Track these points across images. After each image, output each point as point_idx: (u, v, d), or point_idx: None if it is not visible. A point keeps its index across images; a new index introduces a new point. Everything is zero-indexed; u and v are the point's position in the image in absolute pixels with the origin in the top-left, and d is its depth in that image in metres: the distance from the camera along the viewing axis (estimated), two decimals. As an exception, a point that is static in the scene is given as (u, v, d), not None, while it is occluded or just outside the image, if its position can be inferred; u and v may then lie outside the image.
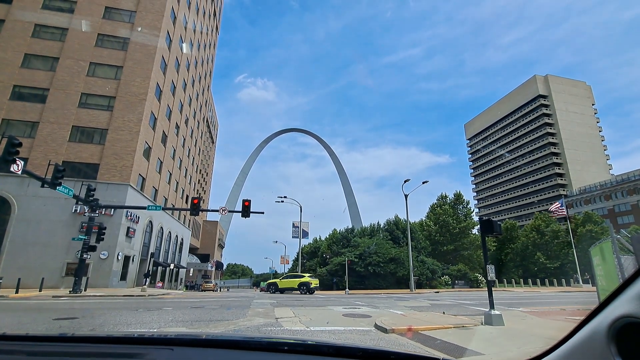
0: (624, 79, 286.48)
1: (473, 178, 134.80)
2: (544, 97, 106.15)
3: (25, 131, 29.92)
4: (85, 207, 23.82)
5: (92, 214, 21.84)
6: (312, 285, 31.09)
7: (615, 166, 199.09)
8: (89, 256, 21.85)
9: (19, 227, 27.29)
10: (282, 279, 33.61)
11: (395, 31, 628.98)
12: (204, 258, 69.38)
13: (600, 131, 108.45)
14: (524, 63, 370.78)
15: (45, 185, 17.75)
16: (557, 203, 44.02)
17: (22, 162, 15.16)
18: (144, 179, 33.91)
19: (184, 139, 48.80)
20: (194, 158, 56.93)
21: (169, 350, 1.38)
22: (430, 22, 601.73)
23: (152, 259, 35.39)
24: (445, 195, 54.67)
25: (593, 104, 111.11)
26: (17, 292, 18.57)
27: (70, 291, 20.24)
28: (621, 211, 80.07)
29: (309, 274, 34.93)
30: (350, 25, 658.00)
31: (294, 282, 31.53)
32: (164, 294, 24.56)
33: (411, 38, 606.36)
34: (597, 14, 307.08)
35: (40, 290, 20.93)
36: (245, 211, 22.44)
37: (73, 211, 28.28)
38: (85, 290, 22.17)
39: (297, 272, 43.11)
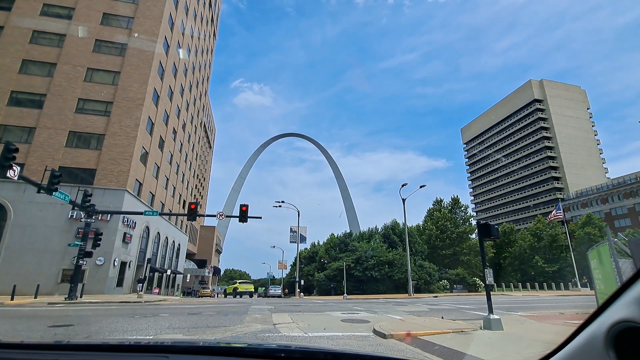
0: (617, 83, 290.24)
1: (470, 182, 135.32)
2: (539, 101, 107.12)
3: (22, 137, 29.80)
4: (81, 212, 23.69)
5: (89, 220, 21.69)
6: (239, 290, 43.82)
7: (611, 170, 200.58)
8: (85, 262, 21.66)
9: (15, 233, 27.04)
10: (229, 286, 48.20)
11: (391, 37, 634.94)
12: (201, 264, 68.91)
13: (595, 135, 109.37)
14: (519, 68, 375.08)
15: (41, 191, 17.63)
16: (555, 209, 44.20)
17: (19, 168, 15.05)
18: (140, 184, 33.76)
19: (181, 144, 48.74)
20: (191, 163, 56.82)
21: (164, 358, 1.36)
22: (426, 28, 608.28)
23: (149, 265, 35.09)
24: (441, 200, 54.69)
25: (588, 108, 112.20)
26: (12, 299, 18.35)
27: (65, 298, 20.02)
28: (618, 214, 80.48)
29: (243, 281, 50.79)
30: (346, 31, 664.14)
31: (231, 288, 45.52)
32: (160, 300, 24.34)
33: (407, 43, 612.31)
34: (590, 20, 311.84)
35: (35, 297, 20.69)
36: (243, 216, 22.36)
37: (69, 217, 28.06)
38: (81, 296, 21.94)
39: (294, 276, 51.91)
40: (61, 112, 30.83)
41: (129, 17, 35.84)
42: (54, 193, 17.86)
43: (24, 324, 9.87)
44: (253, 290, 43.14)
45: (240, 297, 40.30)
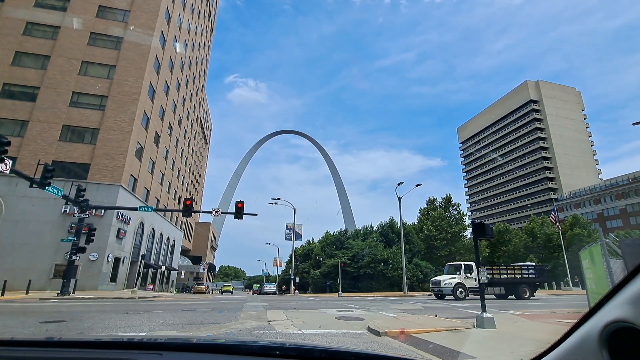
0: (611, 86, 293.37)
1: (465, 181, 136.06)
2: (535, 102, 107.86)
3: (14, 130, 29.38)
4: (75, 207, 23.44)
5: (82, 215, 21.47)
6: (222, 290, 53.95)
7: (604, 171, 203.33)
8: (78, 258, 21.46)
9: (7, 228, 26.71)
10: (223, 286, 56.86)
11: (387, 36, 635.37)
12: (196, 260, 68.72)
13: (589, 136, 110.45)
14: (514, 69, 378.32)
15: (34, 185, 17.41)
16: (552, 211, 44.61)
17: (11, 162, 14.84)
18: (135, 179, 33.51)
19: (177, 140, 48.41)
20: (186, 159, 56.48)
21: (157, 355, 1.34)
22: (422, 28, 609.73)
23: (143, 261, 34.92)
24: (434, 199, 54.85)
25: (583, 110, 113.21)
26: (2, 294, 18.16)
27: (58, 293, 19.84)
28: (610, 215, 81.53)
29: (224, 283, 59.11)
30: (343, 29, 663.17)
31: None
32: (154, 297, 24.26)
33: (403, 43, 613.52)
34: (584, 22, 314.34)
35: (27, 293, 20.51)
36: (239, 213, 22.30)
37: (62, 212, 27.79)
38: (73, 292, 21.78)
39: (289, 274, 51.57)
40: (55, 106, 30.44)
41: (125, 10, 35.40)
42: (46, 187, 17.65)
43: (15, 320, 9.77)
44: (231, 289, 54.22)
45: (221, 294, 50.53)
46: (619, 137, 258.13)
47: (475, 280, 23.21)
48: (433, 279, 24.87)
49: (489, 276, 23.32)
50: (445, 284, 22.63)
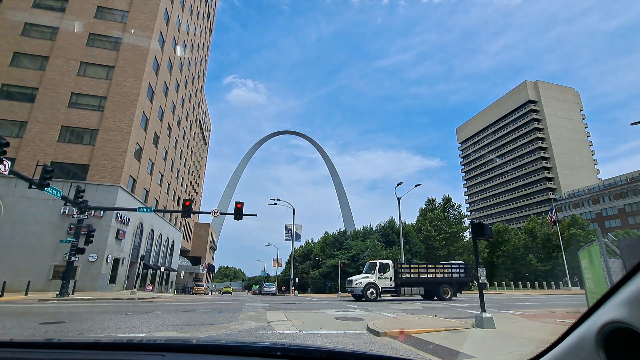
0: (609, 86, 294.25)
1: (464, 182, 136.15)
2: (533, 102, 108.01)
3: (13, 131, 29.32)
4: (74, 208, 23.40)
5: (81, 216, 21.43)
6: (223, 291, 56.20)
7: (603, 171, 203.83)
8: (77, 259, 21.42)
9: (5, 229, 26.64)
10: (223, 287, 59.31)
11: (386, 37, 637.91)
12: (196, 261, 68.66)
13: (588, 136, 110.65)
14: (512, 69, 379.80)
15: (33, 186, 17.38)
16: (550, 212, 44.67)
17: (9, 162, 14.82)
18: (134, 180, 33.46)
19: (176, 140, 48.36)
20: (186, 159, 56.42)
21: (160, 356, 1.35)
22: (420, 29, 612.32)
23: (142, 262, 34.86)
24: (433, 199, 54.90)
25: (581, 110, 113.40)
26: (1, 295, 18.11)
27: (57, 294, 19.80)
28: (608, 215, 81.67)
29: (225, 284, 60.01)
30: (341, 30, 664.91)
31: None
32: (154, 298, 24.22)
33: (401, 43, 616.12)
34: (581, 23, 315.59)
35: (26, 294, 20.47)
36: (238, 213, 22.28)
37: (61, 213, 27.73)
38: (72, 293, 21.73)
39: (288, 274, 52.45)
40: (53, 107, 30.38)
41: (124, 10, 35.36)
42: (45, 188, 17.62)
43: (14, 321, 9.75)
44: (231, 290, 56.83)
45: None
46: (618, 137, 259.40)
47: (391, 280, 21.94)
48: (348, 278, 23.39)
49: (406, 275, 22.14)
50: (356, 284, 21.36)
